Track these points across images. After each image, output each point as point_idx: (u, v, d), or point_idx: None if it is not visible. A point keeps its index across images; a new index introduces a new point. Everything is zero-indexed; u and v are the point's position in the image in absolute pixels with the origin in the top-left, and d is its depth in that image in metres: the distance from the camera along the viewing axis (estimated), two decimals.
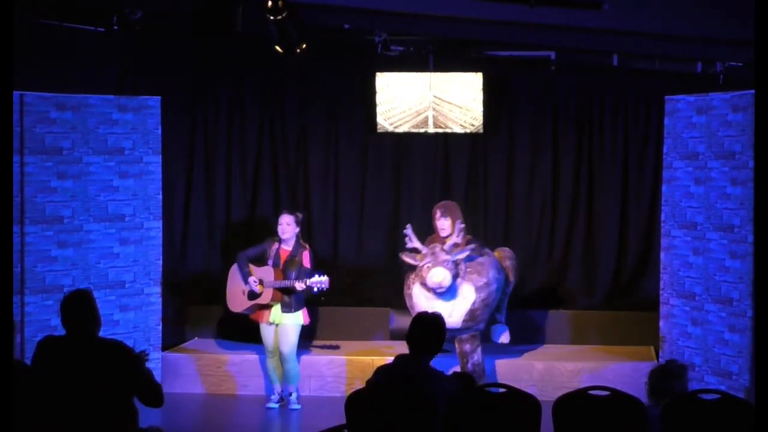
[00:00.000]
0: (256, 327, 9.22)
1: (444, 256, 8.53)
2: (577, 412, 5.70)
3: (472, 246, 8.73)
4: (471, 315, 8.71)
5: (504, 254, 9.24)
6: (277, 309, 8.98)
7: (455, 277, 8.57)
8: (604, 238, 10.49)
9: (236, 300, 9.17)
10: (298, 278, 8.85)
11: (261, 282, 8.97)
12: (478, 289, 8.70)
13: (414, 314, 8.67)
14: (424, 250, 8.64)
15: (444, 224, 8.83)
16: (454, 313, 8.61)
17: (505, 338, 9.36)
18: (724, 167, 8.54)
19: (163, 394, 5.69)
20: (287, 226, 8.98)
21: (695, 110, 8.84)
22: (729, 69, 9.14)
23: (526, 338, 10.04)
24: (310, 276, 8.85)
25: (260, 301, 8.98)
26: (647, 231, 10.36)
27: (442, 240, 8.78)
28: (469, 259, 8.72)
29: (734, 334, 8.42)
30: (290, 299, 8.96)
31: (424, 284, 8.62)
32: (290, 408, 9.10)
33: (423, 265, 8.56)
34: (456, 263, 8.56)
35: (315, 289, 8.85)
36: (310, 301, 9.32)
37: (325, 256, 10.27)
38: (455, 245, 8.64)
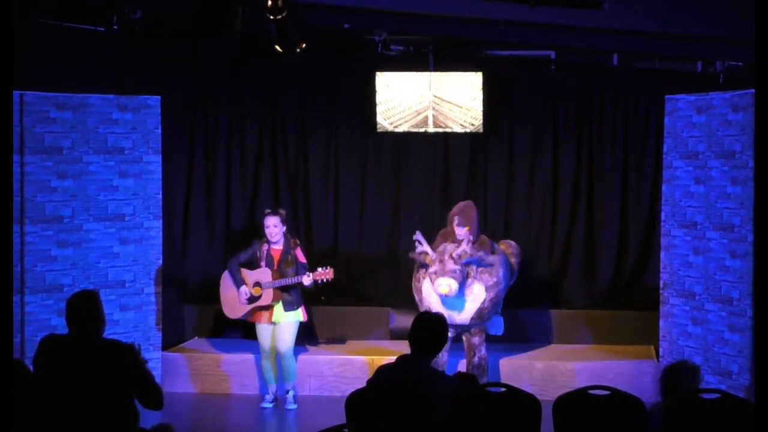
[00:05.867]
0: (254, 327, 9.23)
1: (451, 266, 8.53)
2: (577, 412, 5.69)
3: (480, 254, 8.74)
4: (479, 313, 8.79)
5: (510, 250, 9.32)
6: (279, 308, 8.98)
7: (464, 279, 8.61)
8: (604, 238, 10.49)
9: (233, 306, 9.12)
10: (299, 273, 8.88)
11: (258, 284, 8.97)
12: (488, 289, 8.77)
13: (422, 308, 8.77)
14: (432, 255, 8.66)
15: (461, 232, 8.80)
16: (464, 311, 8.69)
17: (499, 329, 9.34)
18: (724, 167, 8.54)
19: (164, 397, 5.69)
20: (274, 228, 8.97)
21: (695, 110, 8.84)
22: (729, 68, 9.14)
23: (526, 338, 10.04)
24: (312, 269, 8.89)
25: (261, 303, 8.97)
26: (647, 230, 10.36)
27: (458, 242, 8.76)
28: (479, 264, 8.76)
29: (734, 334, 8.42)
30: (292, 297, 8.97)
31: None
32: (287, 408, 9.10)
33: (431, 272, 8.60)
34: (464, 270, 8.60)
35: (320, 281, 8.88)
36: (309, 298, 9.34)
37: (325, 256, 10.27)
38: (464, 253, 8.64)
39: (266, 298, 8.95)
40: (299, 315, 9.04)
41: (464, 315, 8.74)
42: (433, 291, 8.69)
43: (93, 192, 9.04)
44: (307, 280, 8.86)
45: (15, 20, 5.35)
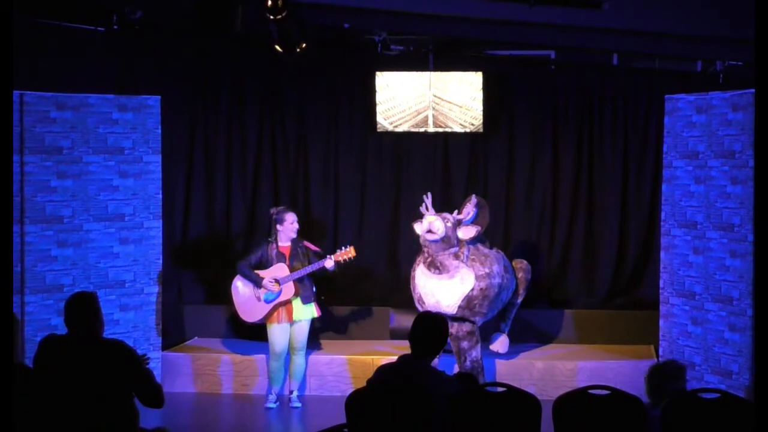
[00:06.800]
0: (258, 327, 9.22)
1: (447, 215, 8.67)
2: (577, 412, 5.70)
3: (478, 228, 8.79)
4: (468, 302, 8.74)
5: (520, 266, 9.38)
6: (298, 304, 8.99)
7: (452, 233, 8.61)
8: (604, 238, 10.50)
9: (253, 308, 9.07)
10: (311, 262, 8.95)
11: (276, 281, 8.95)
12: (478, 278, 8.74)
13: (414, 295, 8.77)
14: (433, 212, 8.75)
15: (470, 209, 8.87)
16: (450, 295, 8.69)
17: (501, 347, 9.38)
18: (724, 166, 8.54)
19: (164, 395, 5.70)
20: (296, 224, 9.05)
21: (695, 109, 8.84)
22: (729, 68, 9.15)
23: (526, 338, 10.04)
24: (329, 253, 9.00)
25: (282, 298, 8.94)
26: (647, 230, 10.36)
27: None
28: (472, 243, 8.77)
29: (734, 333, 8.42)
30: (308, 290, 9.01)
31: (426, 264, 8.73)
32: (292, 406, 9.11)
33: (425, 216, 8.68)
34: (455, 234, 8.59)
35: (342, 261, 8.98)
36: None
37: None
38: (460, 221, 8.74)
39: (287, 292, 8.94)
40: (313, 311, 9.10)
41: (450, 301, 8.71)
42: (423, 276, 8.75)
43: (93, 192, 9.04)
44: (329, 263, 8.94)
45: (15, 20, 5.35)
